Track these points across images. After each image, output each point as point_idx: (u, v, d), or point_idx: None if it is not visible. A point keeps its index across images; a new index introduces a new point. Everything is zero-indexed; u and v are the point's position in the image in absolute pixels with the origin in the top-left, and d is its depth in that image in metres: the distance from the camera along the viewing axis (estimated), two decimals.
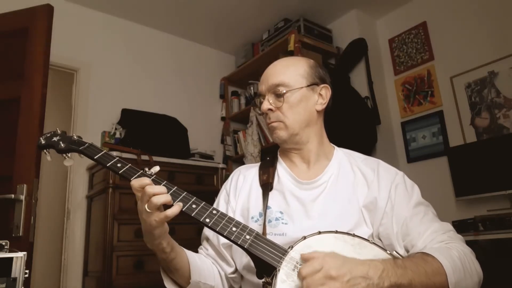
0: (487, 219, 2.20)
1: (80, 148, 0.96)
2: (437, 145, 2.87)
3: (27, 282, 0.84)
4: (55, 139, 0.99)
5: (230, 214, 0.95)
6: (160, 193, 0.82)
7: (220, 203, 1.11)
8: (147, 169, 0.91)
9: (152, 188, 0.82)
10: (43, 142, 1.00)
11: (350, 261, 0.72)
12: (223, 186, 1.16)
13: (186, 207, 0.86)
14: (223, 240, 1.00)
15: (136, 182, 0.84)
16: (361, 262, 0.72)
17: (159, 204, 0.81)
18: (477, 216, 2.28)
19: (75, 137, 1.00)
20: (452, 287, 0.77)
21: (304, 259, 0.75)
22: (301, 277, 0.71)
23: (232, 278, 1.04)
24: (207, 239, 1.07)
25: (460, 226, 2.23)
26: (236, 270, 1.04)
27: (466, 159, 2.55)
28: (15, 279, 0.82)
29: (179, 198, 0.86)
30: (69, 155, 0.99)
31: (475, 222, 2.23)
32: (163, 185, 0.88)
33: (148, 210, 0.81)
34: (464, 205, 2.62)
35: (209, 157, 2.98)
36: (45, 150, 1.01)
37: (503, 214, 2.19)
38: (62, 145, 0.98)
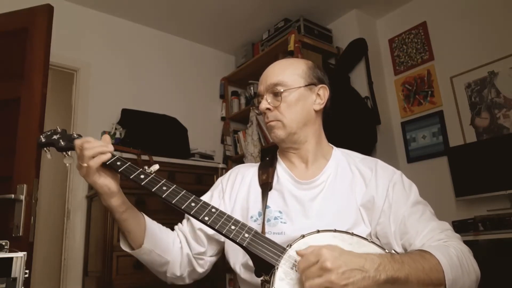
0: (487, 219, 2.20)
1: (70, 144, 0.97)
2: (437, 145, 2.87)
3: (27, 282, 0.84)
4: (55, 137, 1.00)
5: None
6: (95, 155, 0.87)
7: (214, 196, 1.12)
8: (146, 168, 0.92)
9: (90, 149, 0.88)
10: (43, 140, 1.00)
11: (346, 253, 0.72)
12: (219, 179, 1.17)
13: (185, 205, 0.86)
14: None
15: (77, 142, 0.91)
16: (358, 255, 0.72)
17: (87, 156, 0.86)
18: (477, 216, 2.28)
19: (75, 135, 1.00)
20: (449, 283, 0.77)
21: (300, 255, 0.75)
22: (299, 270, 0.72)
23: (198, 258, 1.05)
24: (188, 219, 1.09)
25: (460, 226, 2.23)
26: (205, 254, 1.05)
27: (466, 159, 2.55)
28: (15, 279, 0.82)
29: (178, 197, 0.87)
30: (69, 153, 0.99)
31: (475, 222, 2.23)
32: (163, 183, 0.89)
33: (81, 163, 0.88)
34: (464, 205, 2.62)
35: (209, 157, 2.98)
36: (45, 148, 1.01)
37: (503, 214, 2.19)
38: (62, 143, 0.98)
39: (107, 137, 0.94)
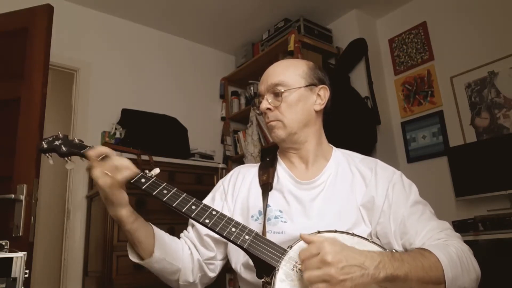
0: (487, 219, 2.20)
1: (82, 151, 0.97)
2: (437, 145, 2.87)
3: (27, 282, 0.84)
4: (57, 143, 1.00)
5: (225, 212, 0.96)
6: (124, 169, 0.86)
7: (216, 198, 1.12)
8: (147, 171, 0.92)
9: (116, 160, 0.86)
10: (45, 146, 1.01)
11: (348, 249, 0.72)
12: (220, 181, 1.17)
13: (186, 208, 0.86)
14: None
15: (93, 152, 0.88)
16: (359, 252, 0.73)
17: (125, 179, 0.85)
18: (477, 216, 2.28)
19: (76, 140, 1.01)
20: (449, 281, 0.77)
21: (304, 240, 0.75)
22: (300, 259, 0.73)
23: (208, 263, 1.05)
24: (193, 225, 1.08)
25: (460, 226, 2.23)
26: (215, 258, 1.05)
27: (466, 159, 2.55)
28: (15, 279, 0.82)
29: (178, 200, 0.87)
30: (71, 158, 1.00)
31: (475, 222, 2.23)
32: (163, 186, 0.89)
33: (102, 184, 0.84)
34: (464, 205, 2.62)
35: (209, 157, 2.98)
36: (47, 154, 1.02)
37: (503, 214, 2.19)
38: (64, 148, 0.99)
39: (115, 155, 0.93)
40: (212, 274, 1.07)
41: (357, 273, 0.69)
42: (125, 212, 0.89)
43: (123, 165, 0.86)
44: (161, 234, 1.00)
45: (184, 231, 1.11)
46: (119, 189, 0.86)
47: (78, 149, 0.97)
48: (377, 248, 0.82)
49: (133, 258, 0.97)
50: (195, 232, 1.07)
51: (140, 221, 0.94)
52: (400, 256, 0.76)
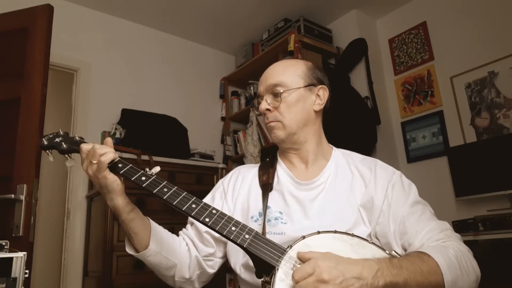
0: (487, 219, 2.20)
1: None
2: (437, 145, 2.87)
3: (27, 282, 0.84)
4: (57, 139, 1.01)
5: (225, 212, 0.96)
6: (105, 153, 0.90)
7: (216, 198, 1.12)
8: (147, 169, 0.92)
9: (101, 149, 0.90)
10: (45, 143, 1.01)
11: (343, 261, 0.71)
12: (220, 181, 1.17)
13: (186, 206, 0.86)
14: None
15: (84, 146, 0.94)
16: (355, 262, 0.72)
17: (99, 153, 0.89)
18: (477, 216, 2.28)
19: (77, 137, 1.01)
20: (448, 285, 0.76)
21: (301, 258, 0.75)
22: (294, 281, 0.70)
23: (207, 260, 1.05)
24: (192, 223, 1.09)
25: (460, 226, 2.23)
26: (214, 255, 1.06)
27: (466, 159, 2.55)
28: (15, 279, 0.82)
29: (178, 198, 0.87)
30: (71, 155, 1.00)
31: (475, 222, 2.23)
32: (164, 185, 0.89)
33: (92, 172, 0.90)
34: (464, 205, 2.62)
35: (209, 157, 2.98)
36: (47, 151, 1.02)
37: (503, 214, 2.19)
38: (64, 145, 1.00)
39: (109, 140, 0.96)
40: (211, 271, 1.06)
41: (356, 285, 0.68)
42: (121, 201, 0.91)
43: (103, 150, 0.90)
44: (158, 228, 1.00)
45: (183, 228, 1.12)
46: (105, 171, 0.89)
47: (78, 146, 0.98)
48: (376, 249, 0.82)
49: (129, 250, 0.98)
50: (194, 230, 1.07)
51: (136, 213, 0.95)
52: (399, 262, 0.76)
